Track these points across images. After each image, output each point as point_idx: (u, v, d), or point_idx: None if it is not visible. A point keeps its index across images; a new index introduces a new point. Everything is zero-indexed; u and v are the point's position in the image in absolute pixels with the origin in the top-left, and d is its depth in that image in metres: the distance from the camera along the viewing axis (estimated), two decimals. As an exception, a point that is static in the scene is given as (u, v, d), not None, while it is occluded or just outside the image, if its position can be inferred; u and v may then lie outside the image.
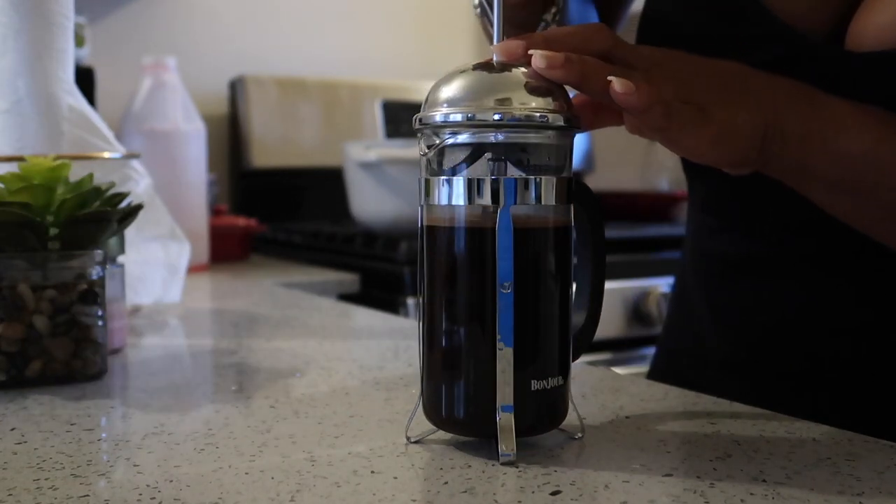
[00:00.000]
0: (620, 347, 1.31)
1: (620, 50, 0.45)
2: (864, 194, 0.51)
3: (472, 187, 0.40)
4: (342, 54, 1.98)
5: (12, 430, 0.47)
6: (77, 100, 0.74)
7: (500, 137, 0.40)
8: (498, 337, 0.40)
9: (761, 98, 0.47)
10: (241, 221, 1.47)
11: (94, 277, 0.57)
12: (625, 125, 0.49)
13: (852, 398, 0.59)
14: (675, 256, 0.77)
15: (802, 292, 0.61)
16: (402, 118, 1.86)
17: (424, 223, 0.42)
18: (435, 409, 0.43)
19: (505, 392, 0.40)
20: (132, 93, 1.26)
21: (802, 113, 0.48)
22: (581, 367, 0.59)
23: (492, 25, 0.44)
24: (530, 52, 0.40)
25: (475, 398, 0.41)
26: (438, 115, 0.40)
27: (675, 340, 0.73)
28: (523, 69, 0.41)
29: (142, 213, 0.67)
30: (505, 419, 0.40)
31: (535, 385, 0.41)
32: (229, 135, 1.85)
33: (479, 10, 0.60)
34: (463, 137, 0.40)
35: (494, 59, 0.42)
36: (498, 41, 0.42)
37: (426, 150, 0.42)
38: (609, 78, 0.41)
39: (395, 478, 0.39)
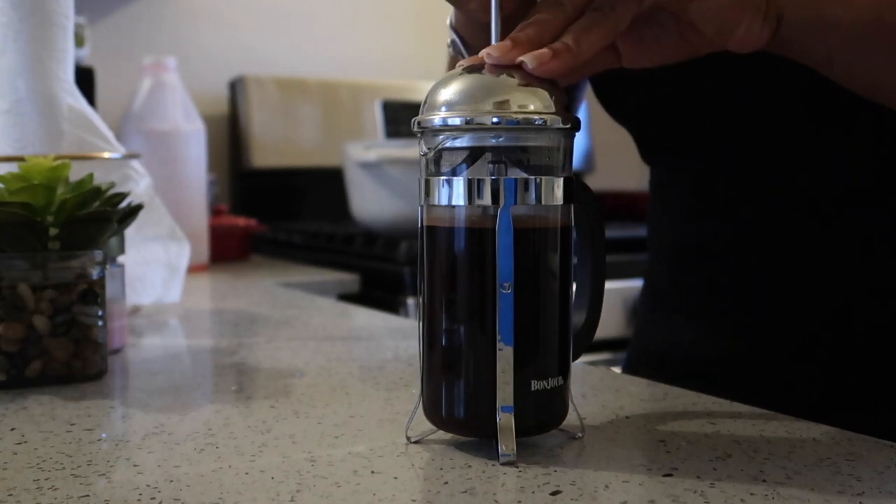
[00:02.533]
0: (620, 347, 1.31)
1: None
2: (886, 41, 0.49)
3: (473, 187, 0.40)
4: (342, 54, 1.98)
5: (12, 430, 0.47)
6: (77, 100, 0.74)
7: (499, 140, 0.40)
8: (498, 337, 0.40)
9: None
10: (241, 221, 1.47)
11: (94, 277, 0.57)
12: (623, 60, 0.47)
13: (831, 397, 0.59)
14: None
15: (779, 283, 0.61)
16: (402, 118, 1.86)
17: (424, 223, 0.42)
18: (435, 409, 0.43)
19: (505, 392, 0.40)
20: (132, 93, 1.26)
21: None
22: (581, 367, 0.59)
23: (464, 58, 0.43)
24: (519, 59, 0.40)
25: (475, 398, 0.41)
26: (437, 119, 0.40)
27: (648, 341, 0.73)
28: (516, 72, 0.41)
29: (142, 213, 0.67)
30: (505, 419, 0.40)
31: (535, 385, 0.41)
32: (229, 135, 1.86)
33: (451, 48, 0.60)
34: (461, 140, 0.40)
35: (487, 61, 0.41)
36: (496, 41, 0.42)
37: (426, 151, 0.42)
38: (518, 60, 0.40)
39: (395, 478, 0.39)
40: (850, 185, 0.59)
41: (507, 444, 0.40)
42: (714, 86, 0.61)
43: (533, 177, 0.40)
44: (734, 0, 0.45)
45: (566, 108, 0.41)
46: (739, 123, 0.61)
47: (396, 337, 0.74)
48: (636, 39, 0.46)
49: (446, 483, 0.38)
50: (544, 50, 0.40)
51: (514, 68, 0.40)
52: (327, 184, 1.71)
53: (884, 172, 0.58)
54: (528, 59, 0.40)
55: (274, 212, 1.75)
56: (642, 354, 0.73)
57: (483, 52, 0.41)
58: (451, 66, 0.71)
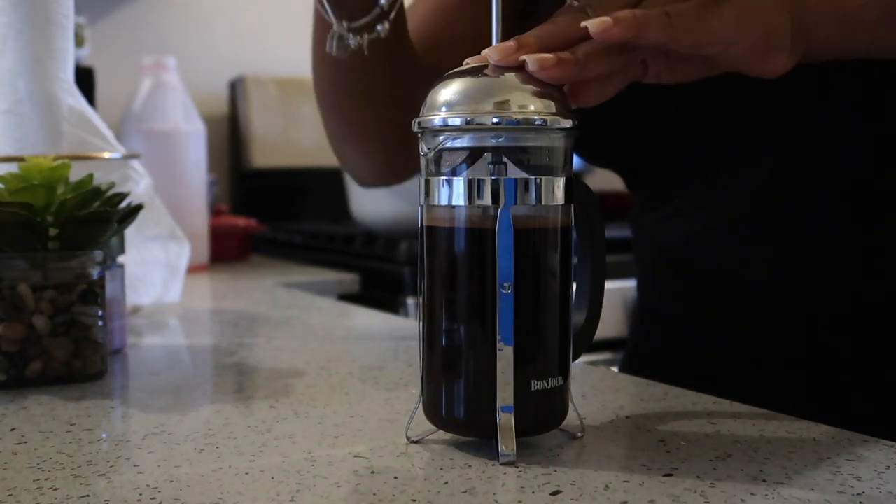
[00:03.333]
0: (620, 347, 1.31)
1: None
2: None
3: (473, 188, 0.40)
4: (342, 54, 1.97)
5: (12, 430, 0.47)
6: (77, 100, 0.74)
7: (499, 140, 0.40)
8: (498, 337, 0.40)
9: None
10: (241, 221, 1.47)
11: (94, 277, 0.57)
12: (647, 76, 0.47)
13: (831, 397, 0.59)
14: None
15: (763, 282, 0.61)
16: (401, 118, 1.85)
17: (424, 223, 0.42)
18: (435, 409, 0.43)
19: (505, 392, 0.40)
20: (132, 93, 1.26)
21: None
22: (581, 367, 0.59)
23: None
24: (521, 58, 0.40)
25: (475, 398, 0.41)
26: (437, 119, 0.40)
27: (646, 342, 0.73)
28: (518, 73, 0.41)
29: (142, 213, 0.67)
30: (505, 419, 0.40)
31: (535, 385, 0.41)
32: (229, 135, 1.86)
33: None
34: (461, 141, 0.40)
35: (490, 62, 0.41)
36: (497, 41, 0.42)
37: (426, 151, 0.42)
38: (583, 24, 0.40)
39: (395, 478, 0.39)
40: (850, 181, 0.59)
41: (507, 444, 0.40)
42: (720, 92, 0.61)
43: (533, 177, 0.40)
44: (757, 47, 0.45)
45: (566, 108, 0.41)
46: (746, 119, 0.61)
47: (396, 337, 0.74)
48: (663, 58, 0.46)
49: (446, 483, 0.38)
50: (549, 55, 0.40)
51: (516, 70, 0.40)
52: (327, 184, 1.71)
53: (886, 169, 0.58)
54: (530, 61, 0.40)
55: (274, 212, 1.75)
56: (639, 355, 0.73)
57: (485, 52, 0.41)
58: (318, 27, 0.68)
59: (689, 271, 0.66)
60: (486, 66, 0.41)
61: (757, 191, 0.60)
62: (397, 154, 0.73)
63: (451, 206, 0.41)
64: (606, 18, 0.40)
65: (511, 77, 0.40)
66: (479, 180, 0.40)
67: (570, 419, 0.44)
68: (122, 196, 0.63)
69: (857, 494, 0.36)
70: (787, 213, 0.60)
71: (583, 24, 0.40)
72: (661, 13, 0.41)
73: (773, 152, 0.60)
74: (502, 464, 0.40)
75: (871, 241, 0.59)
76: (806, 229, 0.59)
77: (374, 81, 0.68)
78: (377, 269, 1.31)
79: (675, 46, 0.43)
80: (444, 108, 0.40)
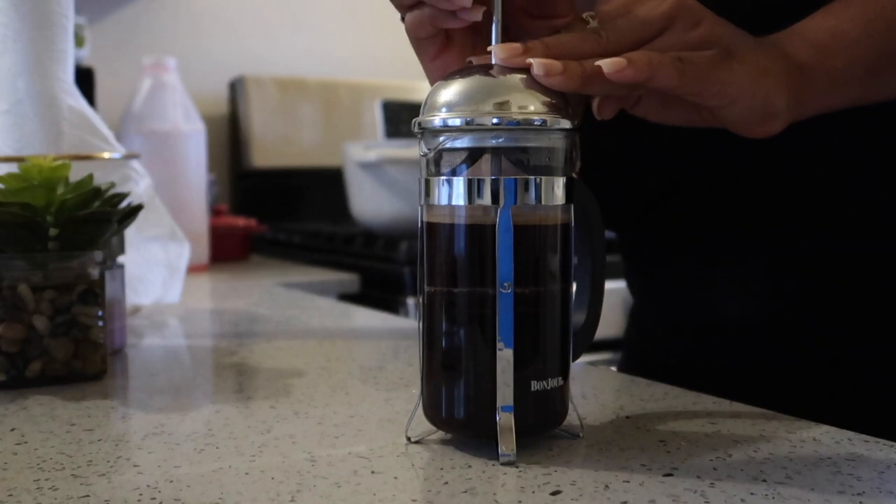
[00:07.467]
0: (620, 347, 1.31)
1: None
2: None
3: (473, 187, 0.40)
4: (342, 54, 1.98)
5: (12, 430, 0.47)
6: (77, 100, 0.74)
7: (499, 141, 0.40)
8: (498, 337, 0.40)
9: (762, 44, 0.47)
10: (241, 221, 1.47)
11: (94, 277, 0.57)
12: (637, 109, 0.47)
13: (831, 397, 0.59)
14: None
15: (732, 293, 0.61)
16: (402, 118, 1.86)
17: (424, 223, 0.42)
18: (435, 409, 0.43)
19: (505, 392, 0.40)
20: (132, 93, 1.26)
21: (798, 37, 0.48)
22: (581, 367, 0.59)
23: None
24: (528, 60, 0.40)
25: (475, 398, 0.41)
26: (437, 120, 0.40)
27: (634, 346, 0.73)
28: (521, 75, 0.41)
29: (142, 213, 0.67)
30: (505, 419, 0.40)
31: (535, 385, 0.41)
32: (229, 135, 1.86)
33: None
34: (462, 141, 0.40)
35: (494, 60, 0.41)
36: (497, 41, 0.42)
37: (426, 152, 0.42)
38: (597, 63, 0.40)
39: (395, 478, 0.39)
40: (847, 187, 0.59)
41: (507, 444, 0.40)
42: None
43: (533, 177, 0.40)
44: (756, 109, 0.45)
45: (566, 108, 0.41)
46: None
47: (396, 337, 0.74)
48: (659, 97, 0.46)
49: (446, 483, 0.38)
50: (557, 62, 0.40)
51: (520, 72, 0.40)
52: (327, 184, 1.71)
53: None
54: (536, 64, 0.40)
55: (274, 212, 1.75)
56: (635, 357, 0.73)
57: (491, 49, 0.41)
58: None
59: (693, 267, 0.66)
60: (489, 66, 0.41)
61: (773, 211, 0.60)
62: None
63: (451, 206, 0.41)
64: (621, 60, 0.40)
65: (511, 78, 0.40)
66: (479, 180, 0.40)
67: (570, 419, 0.44)
68: (122, 196, 0.63)
69: (857, 494, 0.36)
70: (796, 222, 0.60)
71: (597, 62, 0.40)
72: (674, 59, 0.41)
73: (757, 181, 0.60)
74: (502, 464, 0.40)
75: (869, 244, 0.59)
76: (818, 242, 0.59)
77: None
78: (377, 269, 1.32)
79: (680, 92, 0.43)
80: (444, 109, 0.40)
